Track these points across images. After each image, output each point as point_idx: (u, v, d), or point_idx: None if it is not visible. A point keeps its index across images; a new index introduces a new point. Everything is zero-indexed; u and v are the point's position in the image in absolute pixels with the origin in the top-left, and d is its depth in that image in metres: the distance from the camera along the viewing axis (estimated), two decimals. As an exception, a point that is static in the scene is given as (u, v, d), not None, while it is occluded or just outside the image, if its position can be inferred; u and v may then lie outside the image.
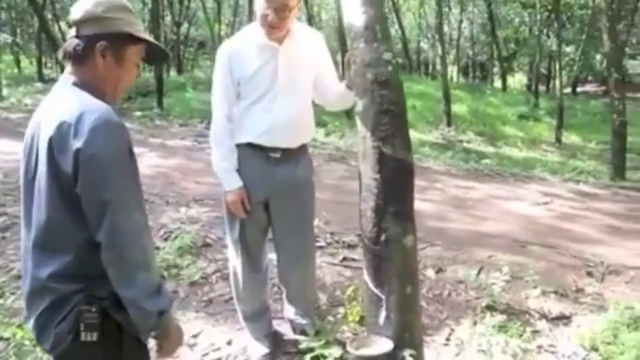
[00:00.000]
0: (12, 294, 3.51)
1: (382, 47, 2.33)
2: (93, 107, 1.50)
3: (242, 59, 2.65)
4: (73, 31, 1.62)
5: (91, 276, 1.52)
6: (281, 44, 2.64)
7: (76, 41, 1.59)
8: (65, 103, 1.53)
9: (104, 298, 1.53)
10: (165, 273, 3.78)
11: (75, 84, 1.59)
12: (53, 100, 1.60)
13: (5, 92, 16.09)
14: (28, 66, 25.39)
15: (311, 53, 2.76)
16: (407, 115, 2.41)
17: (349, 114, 11.86)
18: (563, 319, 3.53)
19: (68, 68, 1.63)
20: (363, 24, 2.34)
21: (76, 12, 1.61)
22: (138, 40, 1.67)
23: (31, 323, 1.59)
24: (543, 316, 3.54)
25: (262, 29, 2.59)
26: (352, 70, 2.43)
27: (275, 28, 2.56)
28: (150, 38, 1.74)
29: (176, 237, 4.28)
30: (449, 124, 13.47)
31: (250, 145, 2.70)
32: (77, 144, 1.44)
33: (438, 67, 25.45)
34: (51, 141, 1.48)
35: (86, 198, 1.47)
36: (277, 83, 2.65)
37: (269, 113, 2.66)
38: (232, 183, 2.70)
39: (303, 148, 2.86)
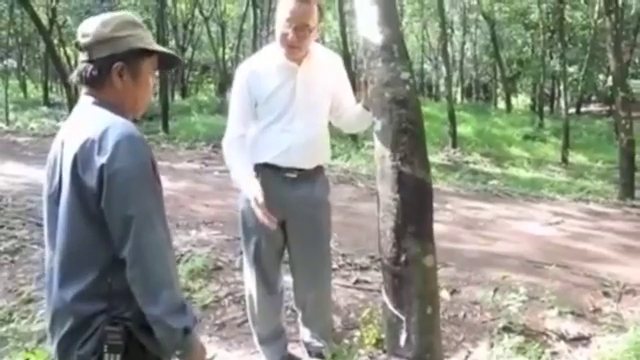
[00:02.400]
0: (23, 318, 3.49)
1: (400, 66, 2.32)
2: (116, 123, 1.51)
3: (260, 79, 2.64)
4: (85, 55, 1.60)
5: (115, 296, 1.51)
6: (300, 65, 2.63)
7: (91, 65, 1.58)
8: (88, 121, 1.53)
9: (128, 319, 1.52)
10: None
11: (95, 103, 1.59)
12: (75, 120, 1.60)
13: (12, 116, 16.22)
14: (34, 91, 25.70)
15: (329, 75, 2.74)
16: (425, 134, 2.40)
17: (354, 137, 11.90)
18: (582, 340, 3.48)
19: (85, 90, 1.62)
20: (380, 43, 2.34)
21: (85, 35, 1.59)
22: (151, 52, 1.66)
23: (55, 345, 1.57)
24: (561, 337, 3.49)
25: (281, 49, 2.59)
26: (369, 90, 2.41)
27: (295, 48, 2.55)
28: (161, 47, 1.73)
29: (187, 260, 4.26)
30: (454, 145, 13.47)
31: (267, 165, 2.68)
32: (101, 160, 1.44)
33: (442, 89, 25.60)
34: (75, 159, 1.48)
35: (110, 214, 1.46)
36: (294, 103, 2.63)
37: (286, 134, 2.64)
38: (252, 187, 2.50)
39: (319, 169, 2.83)
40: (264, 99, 2.63)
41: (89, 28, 1.59)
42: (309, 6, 2.51)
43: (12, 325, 3.38)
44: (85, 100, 1.62)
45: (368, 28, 2.40)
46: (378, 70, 2.34)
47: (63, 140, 1.58)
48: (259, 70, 2.66)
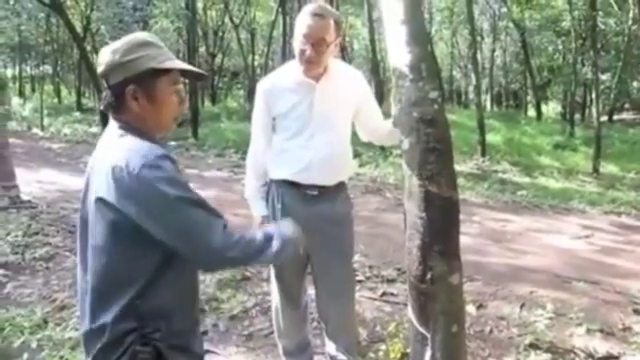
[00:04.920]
0: (57, 325, 3.57)
1: (428, 86, 2.33)
2: (137, 148, 1.54)
3: (278, 95, 2.66)
4: (105, 82, 1.65)
5: (144, 316, 1.55)
6: (318, 81, 2.63)
7: (109, 92, 1.63)
8: (114, 149, 1.57)
9: (158, 339, 1.56)
10: (206, 306, 3.80)
11: (121, 128, 1.63)
12: (104, 147, 1.64)
13: (46, 121, 16.59)
14: (67, 96, 26.25)
15: (349, 90, 2.73)
16: (453, 153, 2.41)
17: (383, 146, 11.88)
18: (611, 359, 3.43)
19: (111, 115, 1.67)
20: (409, 63, 2.34)
21: (99, 65, 1.64)
22: (166, 70, 1.66)
23: None
24: (589, 356, 3.44)
25: (300, 66, 2.60)
26: (397, 108, 2.43)
27: (313, 63, 2.55)
28: (177, 63, 1.71)
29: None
30: (483, 154, 13.34)
31: (287, 182, 2.69)
32: (133, 186, 1.49)
33: (471, 96, 25.41)
34: (104, 185, 1.52)
35: (168, 233, 1.52)
36: (313, 120, 2.64)
37: (306, 150, 2.65)
38: (258, 209, 2.78)
39: (341, 185, 2.82)
40: (282, 115, 2.66)
41: (102, 57, 1.64)
42: (325, 21, 2.52)
43: (47, 332, 3.46)
44: (112, 124, 1.66)
45: (397, 47, 2.41)
46: (406, 89, 2.35)
47: (93, 165, 1.64)
48: (278, 87, 2.68)
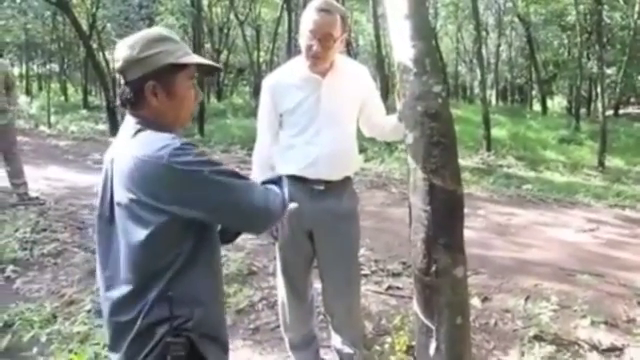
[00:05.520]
0: (65, 319, 3.60)
1: (432, 80, 2.35)
2: (160, 139, 1.54)
3: (285, 92, 2.68)
4: (121, 78, 1.64)
5: (176, 306, 1.54)
6: (324, 77, 2.65)
7: (127, 89, 1.62)
8: (135, 145, 1.56)
9: (190, 329, 1.55)
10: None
11: (139, 123, 1.62)
12: (123, 144, 1.62)
13: (53, 119, 16.66)
14: (74, 94, 26.36)
15: (355, 86, 2.75)
16: (457, 147, 2.43)
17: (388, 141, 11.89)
18: (615, 351, 3.45)
19: (128, 111, 1.66)
20: (413, 57, 2.36)
21: (117, 60, 1.62)
22: (184, 64, 1.66)
23: (120, 354, 1.60)
24: (594, 347, 3.47)
25: (306, 62, 2.61)
26: (402, 103, 2.45)
27: (319, 59, 2.57)
28: (195, 58, 1.71)
29: (222, 265, 4.34)
30: (489, 149, 13.33)
31: (293, 177, 2.69)
32: (165, 175, 1.49)
33: (476, 91, 25.38)
34: (130, 180, 1.51)
35: (211, 209, 1.56)
36: (320, 116, 2.65)
37: (313, 146, 2.67)
38: None
39: (347, 180, 2.84)
40: (289, 112, 2.68)
41: (120, 52, 1.61)
42: (332, 16, 2.54)
43: (56, 326, 3.50)
44: (129, 120, 1.65)
45: (401, 42, 2.43)
46: (410, 83, 2.37)
47: (113, 158, 1.61)
48: (283, 83, 2.70)
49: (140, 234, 1.52)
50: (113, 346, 1.63)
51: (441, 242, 2.30)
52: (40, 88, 27.05)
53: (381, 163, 10.86)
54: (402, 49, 2.42)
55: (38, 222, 5.66)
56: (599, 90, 15.75)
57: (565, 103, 25.80)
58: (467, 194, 8.11)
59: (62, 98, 24.08)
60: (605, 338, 3.57)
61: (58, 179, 7.91)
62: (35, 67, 29.11)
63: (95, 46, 18.00)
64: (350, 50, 21.54)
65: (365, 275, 4.32)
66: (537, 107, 23.86)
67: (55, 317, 3.67)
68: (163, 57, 1.61)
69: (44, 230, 5.45)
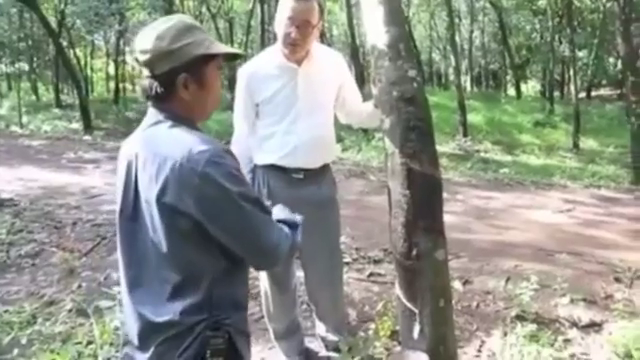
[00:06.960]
0: (46, 320, 3.55)
1: (406, 65, 2.35)
2: (197, 142, 1.47)
3: (261, 81, 2.66)
4: (147, 71, 1.53)
5: (215, 306, 1.51)
6: (300, 65, 2.64)
7: (155, 82, 1.52)
8: (167, 142, 1.49)
9: (229, 324, 1.52)
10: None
11: (168, 118, 1.54)
12: (149, 138, 1.55)
13: (25, 119, 16.40)
14: (45, 93, 25.92)
15: (331, 73, 2.75)
16: (433, 130, 2.44)
17: (365, 129, 11.92)
18: (594, 327, 3.51)
19: (152, 104, 1.58)
20: (387, 43, 2.37)
21: (142, 52, 1.52)
22: (214, 54, 1.58)
23: (149, 353, 1.54)
24: (574, 324, 3.52)
25: (282, 50, 2.61)
26: (377, 88, 2.45)
27: (298, 46, 2.56)
28: (221, 47, 1.63)
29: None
30: (465, 134, 13.46)
31: (273, 166, 2.71)
32: (195, 183, 1.42)
33: (451, 77, 25.52)
34: (165, 182, 1.44)
35: (227, 231, 1.48)
36: (297, 104, 2.65)
37: (291, 135, 2.66)
38: None
39: (326, 168, 2.85)
40: (266, 101, 2.66)
41: (146, 44, 1.51)
42: (309, 3, 2.54)
43: (36, 327, 3.45)
44: (154, 114, 1.57)
45: (374, 28, 2.44)
46: (385, 69, 2.38)
47: (137, 153, 1.54)
48: (260, 72, 2.68)
49: (176, 236, 1.47)
50: (141, 346, 1.56)
51: (421, 225, 2.31)
52: (10, 88, 26.51)
53: (359, 152, 10.89)
54: (376, 35, 2.42)
55: (14, 223, 5.56)
56: (571, 73, 15.96)
57: (539, 87, 26.13)
58: (445, 179, 8.16)
59: (33, 97, 23.72)
60: (584, 315, 3.63)
61: (32, 179, 7.78)
62: (3, 66, 28.57)
63: (65, 43, 17.74)
64: (324, 40, 21.48)
65: (347, 263, 4.33)
66: (511, 92, 24.10)
67: (35, 318, 3.62)
68: (194, 48, 1.52)
69: (20, 231, 5.35)
